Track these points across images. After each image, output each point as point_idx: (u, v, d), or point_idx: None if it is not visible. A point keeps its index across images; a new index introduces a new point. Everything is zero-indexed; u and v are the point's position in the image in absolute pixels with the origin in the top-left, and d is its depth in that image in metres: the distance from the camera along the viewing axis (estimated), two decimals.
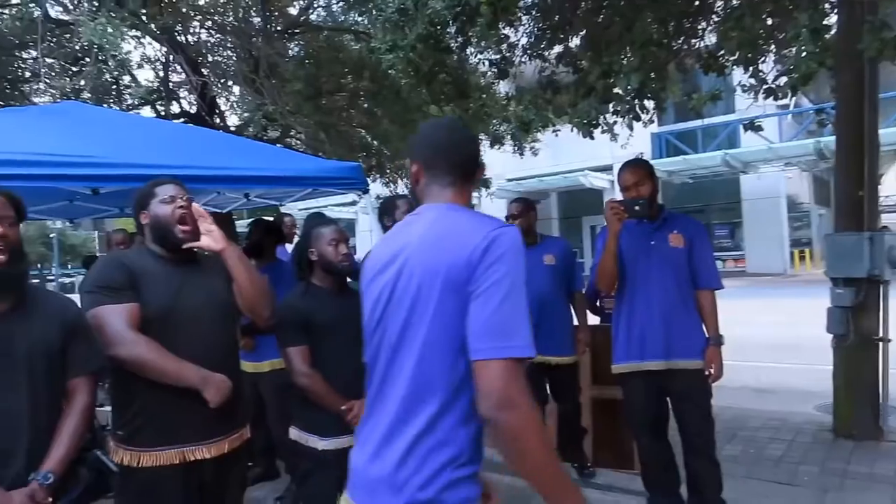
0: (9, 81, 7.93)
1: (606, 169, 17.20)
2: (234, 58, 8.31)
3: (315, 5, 8.99)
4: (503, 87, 7.10)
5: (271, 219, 4.86)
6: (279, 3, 8.42)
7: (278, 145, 7.78)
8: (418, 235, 1.29)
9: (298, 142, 9.36)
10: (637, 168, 2.94)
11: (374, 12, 4.93)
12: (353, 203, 14.64)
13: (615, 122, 3.94)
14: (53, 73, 7.89)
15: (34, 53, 7.51)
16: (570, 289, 3.76)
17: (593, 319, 4.33)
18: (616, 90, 3.71)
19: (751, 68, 3.92)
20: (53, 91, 7.76)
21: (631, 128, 4.33)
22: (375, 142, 9.31)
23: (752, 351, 7.16)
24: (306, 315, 2.61)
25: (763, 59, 4.07)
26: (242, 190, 4.17)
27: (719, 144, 18.49)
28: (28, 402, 1.74)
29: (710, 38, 4.57)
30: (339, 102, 8.87)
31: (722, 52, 3.90)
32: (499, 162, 10.02)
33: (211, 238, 2.12)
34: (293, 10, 8.91)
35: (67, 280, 24.85)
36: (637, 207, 2.80)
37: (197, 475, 2.10)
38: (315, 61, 8.52)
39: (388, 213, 3.25)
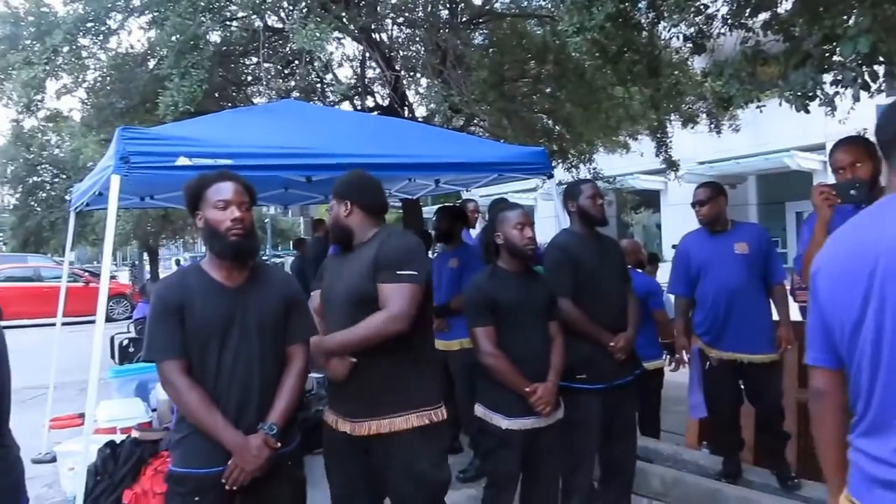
0: (235, 85, 9.09)
1: (818, 148, 15.24)
2: (423, 51, 8.70)
3: None
4: (698, 63, 6.62)
5: (457, 205, 5.05)
6: None
7: (464, 134, 8.03)
8: (890, 236, 1.20)
9: (481, 129, 9.58)
10: (854, 146, 2.58)
11: None
12: (534, 189, 14.65)
13: (836, 94, 3.46)
14: (270, 76, 8.89)
15: (255, 59, 8.53)
16: (767, 280, 3.41)
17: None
18: (837, 57, 3.26)
19: None
20: (270, 92, 8.75)
21: (858, 98, 3.77)
22: (557, 126, 9.21)
23: None
24: (492, 296, 2.70)
25: None
26: (434, 176, 4.38)
27: None
28: (258, 363, 2.02)
29: None
30: (522, 88, 8.90)
31: None
32: (690, 144, 9.39)
33: None
34: (478, 0, 9.09)
35: (278, 260, 28.14)
36: (853, 192, 2.43)
37: (361, 446, 2.27)
38: (499, 48, 8.63)
39: (573, 197, 3.21)
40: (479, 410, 2.77)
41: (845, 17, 3.09)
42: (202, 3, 6.17)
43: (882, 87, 5.03)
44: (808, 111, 3.32)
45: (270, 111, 4.35)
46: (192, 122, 3.91)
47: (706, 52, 5.11)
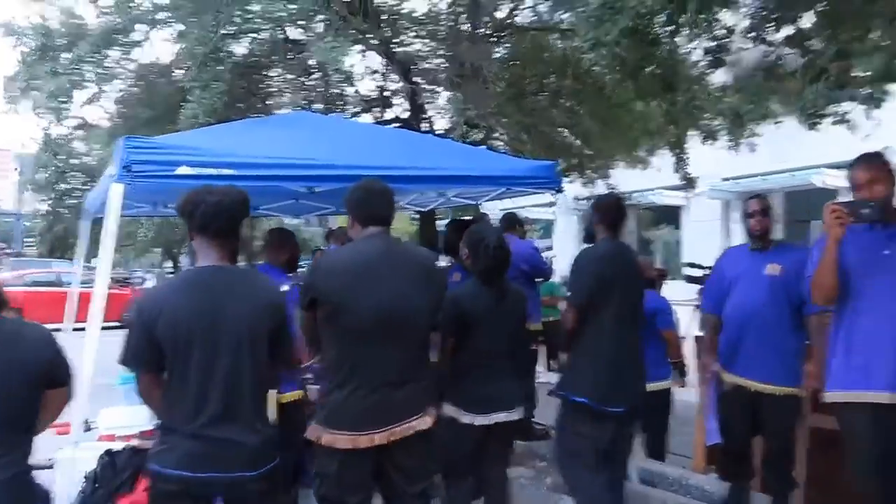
0: (258, 97, 9.19)
1: (845, 166, 14.88)
2: (444, 64, 8.73)
3: (521, 7, 9.09)
4: (720, 77, 6.50)
5: (468, 218, 5.01)
6: (488, 8, 8.67)
7: (482, 147, 8.01)
8: None
9: (501, 143, 9.54)
10: (871, 164, 2.50)
11: (579, 9, 4.82)
12: (553, 204, 14.55)
13: (846, 113, 3.36)
14: (294, 88, 8.98)
15: (277, 71, 8.65)
16: (801, 309, 3.10)
17: None
18: (856, 73, 3.17)
19: None
20: (292, 104, 8.84)
21: (868, 116, 3.66)
22: (577, 141, 9.13)
23: None
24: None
25: None
26: (437, 189, 4.36)
27: None
28: None
29: None
30: (542, 102, 8.86)
31: None
32: (712, 159, 9.23)
33: None
34: (501, 14, 9.10)
35: (300, 270, 28.71)
36: (865, 210, 2.36)
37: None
38: (520, 62, 8.61)
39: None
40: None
41: (862, 33, 3.01)
42: (224, 17, 6.27)
43: None
44: (816, 129, 3.24)
45: (281, 122, 4.39)
46: (199, 132, 3.96)
47: (727, 67, 5.03)
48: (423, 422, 2.41)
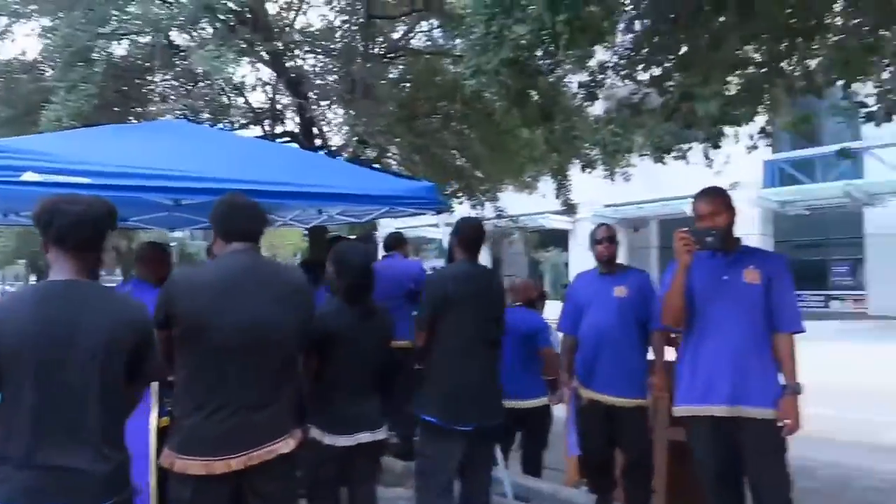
0: (137, 101, 8.68)
1: None
2: (337, 80, 8.66)
3: (416, 30, 9.24)
4: (598, 110, 6.88)
5: (353, 236, 4.96)
6: (383, 29, 8.74)
7: (376, 166, 7.98)
8: None
9: (394, 163, 9.58)
10: (714, 197, 2.75)
11: (468, 37, 4.96)
12: (446, 224, 14.79)
13: (689, 149, 3.70)
14: (179, 95, 8.55)
15: (158, 76, 8.21)
16: (646, 326, 3.42)
17: None
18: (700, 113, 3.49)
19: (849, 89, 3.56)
20: (175, 111, 8.42)
21: (707, 156, 4.04)
22: (468, 164, 9.35)
23: (871, 403, 6.44)
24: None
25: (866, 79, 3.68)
26: (313, 206, 4.29)
27: (841, 174, 17.06)
28: None
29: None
30: (433, 125, 9.01)
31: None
32: (594, 187, 9.75)
33: None
34: (395, 35, 9.21)
35: None
36: (709, 239, 2.60)
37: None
38: (413, 84, 8.72)
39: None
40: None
41: (704, 79, 3.31)
42: (96, 15, 5.89)
43: (756, 144, 5.44)
44: (664, 163, 3.52)
45: (152, 130, 4.15)
46: (55, 135, 3.69)
47: (602, 101, 5.34)
48: (286, 445, 2.32)
